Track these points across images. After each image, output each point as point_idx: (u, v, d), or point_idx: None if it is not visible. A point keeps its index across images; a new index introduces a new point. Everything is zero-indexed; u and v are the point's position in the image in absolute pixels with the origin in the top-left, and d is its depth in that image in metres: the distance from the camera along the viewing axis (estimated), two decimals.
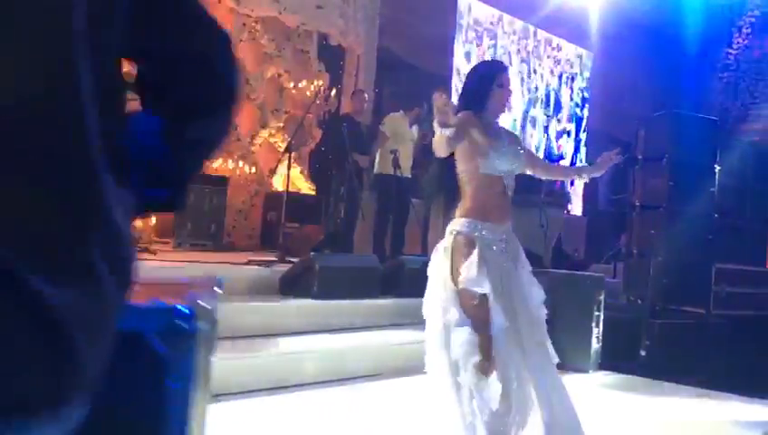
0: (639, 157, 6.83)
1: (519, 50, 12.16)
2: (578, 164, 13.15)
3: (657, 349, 6.06)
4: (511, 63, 11.85)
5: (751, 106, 12.87)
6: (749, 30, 13.35)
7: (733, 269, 7.31)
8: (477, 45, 11.25)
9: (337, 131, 6.80)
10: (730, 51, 13.45)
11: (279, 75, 8.47)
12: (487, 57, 11.12)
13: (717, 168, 6.96)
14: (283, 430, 3.27)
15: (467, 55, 11.03)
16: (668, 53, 12.35)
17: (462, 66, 10.74)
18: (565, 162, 12.95)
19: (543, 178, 3.48)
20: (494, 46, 11.57)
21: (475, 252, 2.74)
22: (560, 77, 13.09)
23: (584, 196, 13.09)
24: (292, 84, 8.54)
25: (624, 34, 12.20)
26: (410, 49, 9.44)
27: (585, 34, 13.03)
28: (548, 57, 12.81)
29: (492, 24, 11.56)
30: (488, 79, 2.91)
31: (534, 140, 12.37)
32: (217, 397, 3.58)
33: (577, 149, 13.51)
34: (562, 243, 9.09)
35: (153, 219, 6.95)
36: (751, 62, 13.30)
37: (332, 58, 8.98)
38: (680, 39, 12.55)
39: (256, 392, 3.74)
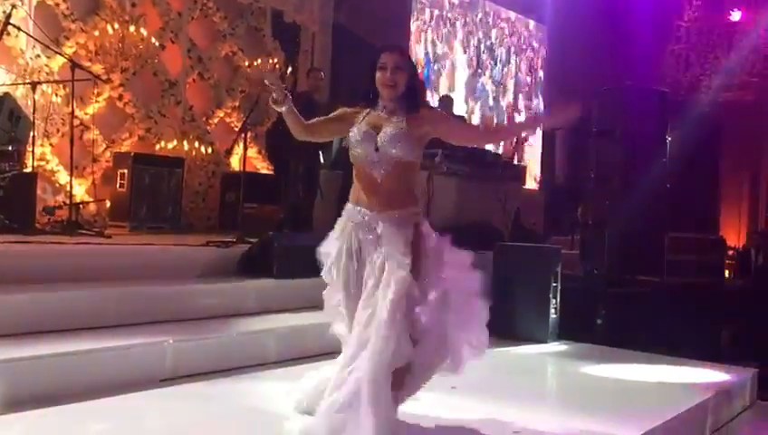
0: (594, 130, 6.93)
1: (465, 22, 12.11)
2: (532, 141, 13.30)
3: (614, 317, 6.20)
4: (456, 36, 11.83)
5: (701, 78, 13.11)
6: (699, 2, 13.55)
7: (685, 237, 7.49)
8: (418, 18, 11.13)
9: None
10: (681, 23, 13.64)
11: (233, 53, 8.35)
12: (431, 31, 11.08)
13: (669, 138, 7.10)
14: (244, 411, 3.27)
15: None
16: (620, 25, 12.48)
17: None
18: None
19: (484, 145, 3.45)
20: (440, 18, 11.48)
21: (337, 228, 3.00)
22: (509, 50, 13.12)
23: (542, 169, 13.24)
24: (246, 63, 8.43)
25: (576, 7, 12.28)
26: (365, 26, 9.36)
27: (537, 8, 13.09)
28: (497, 29, 12.82)
29: None
30: (372, 66, 2.96)
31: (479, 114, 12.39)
32: (178, 379, 3.57)
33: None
34: (521, 216, 9.18)
35: (108, 203, 6.84)
36: (701, 34, 13.52)
37: (287, 35, 8.86)
38: (632, 12, 12.68)
39: (216, 374, 3.72)
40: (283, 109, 2.97)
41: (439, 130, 3.05)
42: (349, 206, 3.00)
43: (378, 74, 2.93)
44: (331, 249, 3.02)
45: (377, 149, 2.88)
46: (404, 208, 2.91)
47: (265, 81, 2.95)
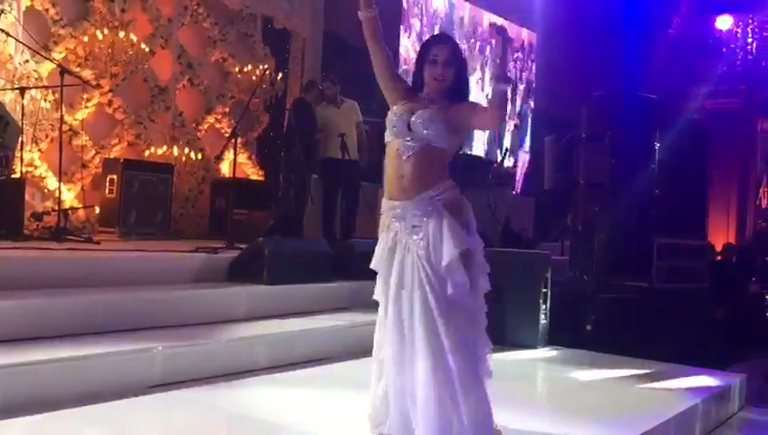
0: (583, 135, 6.97)
1: (462, 34, 12.16)
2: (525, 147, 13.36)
3: (603, 323, 6.22)
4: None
5: (690, 85, 13.21)
6: (687, 10, 13.68)
7: (674, 243, 7.53)
8: (408, 28, 11.19)
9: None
10: (670, 31, 13.76)
11: (224, 59, 8.35)
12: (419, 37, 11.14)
13: (657, 145, 7.15)
14: (233, 418, 3.26)
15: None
16: (610, 33, 12.57)
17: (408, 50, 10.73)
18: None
19: (492, 126, 3.13)
20: (431, 27, 11.53)
21: (382, 235, 2.84)
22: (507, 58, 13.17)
23: (528, 175, 13.28)
24: (237, 69, 8.43)
25: (566, 14, 12.36)
26: (356, 32, 9.36)
27: (527, 14, 13.16)
28: (490, 37, 12.88)
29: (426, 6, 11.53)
30: (421, 57, 2.87)
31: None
32: (167, 386, 3.55)
33: (524, 132, 13.66)
34: (511, 222, 9.22)
35: (97, 209, 6.81)
36: (690, 42, 13.64)
37: (278, 41, 8.87)
38: (621, 20, 12.78)
39: (206, 380, 3.71)
40: (368, 15, 3.01)
41: (475, 121, 2.86)
42: (384, 200, 2.89)
43: (427, 68, 2.81)
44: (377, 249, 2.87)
45: (409, 129, 2.76)
46: (429, 190, 2.74)
47: None
